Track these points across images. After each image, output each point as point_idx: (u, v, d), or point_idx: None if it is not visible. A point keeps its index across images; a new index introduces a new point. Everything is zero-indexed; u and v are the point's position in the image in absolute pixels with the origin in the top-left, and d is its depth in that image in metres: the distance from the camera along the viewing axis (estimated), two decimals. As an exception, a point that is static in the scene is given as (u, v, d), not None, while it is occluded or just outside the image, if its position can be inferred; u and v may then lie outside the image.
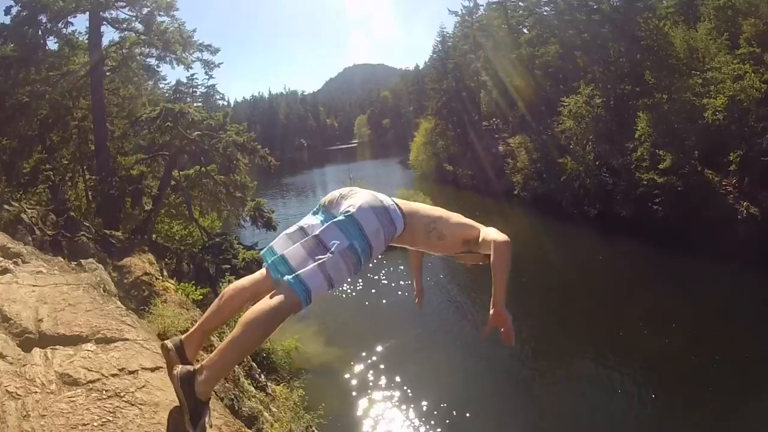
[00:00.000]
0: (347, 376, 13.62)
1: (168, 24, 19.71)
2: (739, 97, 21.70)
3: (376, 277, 20.02)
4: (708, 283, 17.24)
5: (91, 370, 2.21)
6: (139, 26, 19.56)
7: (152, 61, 20.87)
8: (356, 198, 2.25)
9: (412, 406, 12.14)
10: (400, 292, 19.06)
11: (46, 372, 2.19)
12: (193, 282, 12.36)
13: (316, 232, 2.13)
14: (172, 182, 19.18)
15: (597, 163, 28.73)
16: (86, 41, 19.35)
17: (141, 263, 11.73)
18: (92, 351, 2.41)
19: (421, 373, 13.43)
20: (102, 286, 4.09)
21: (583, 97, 30.00)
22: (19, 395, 2.02)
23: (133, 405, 2.03)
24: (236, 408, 5.49)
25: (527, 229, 26.56)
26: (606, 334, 14.94)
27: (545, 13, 38.16)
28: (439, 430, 11.25)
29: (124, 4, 19.01)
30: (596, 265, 21.11)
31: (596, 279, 19.44)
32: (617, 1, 29.70)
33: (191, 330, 2.27)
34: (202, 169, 19.85)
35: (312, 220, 2.33)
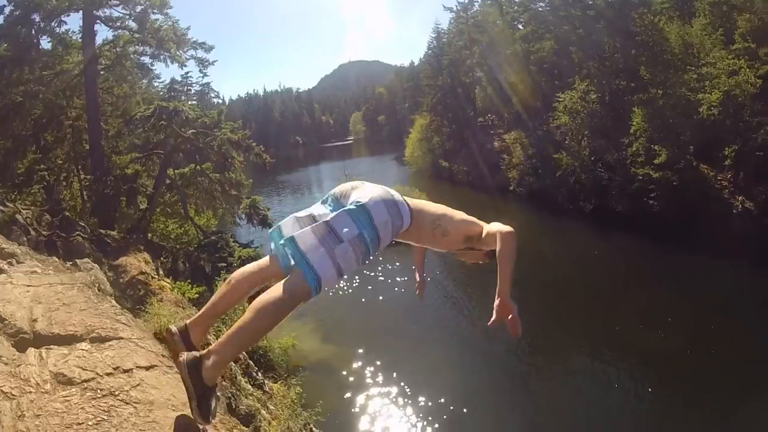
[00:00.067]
0: (344, 372, 13.64)
1: (162, 22, 19.63)
2: (734, 92, 21.76)
3: (372, 274, 20.04)
4: (703, 278, 17.31)
5: (86, 370, 2.21)
6: (132, 24, 19.44)
7: (146, 60, 20.79)
8: (367, 190, 2.27)
9: (409, 401, 12.18)
10: (396, 288, 19.09)
11: (41, 372, 2.19)
12: (189, 281, 12.37)
13: (327, 219, 2.12)
14: (167, 181, 19.12)
15: (592, 158, 28.76)
16: (80, 40, 19.21)
17: (137, 262, 11.73)
18: (87, 350, 2.40)
19: (418, 369, 13.46)
20: (97, 285, 4.09)
21: (578, 93, 30.02)
22: (14, 395, 2.02)
23: (127, 404, 2.03)
24: (233, 406, 5.48)
25: (523, 225, 26.54)
26: (602, 328, 14.99)
27: (540, 9, 38.08)
28: (436, 425, 11.29)
29: (118, 2, 18.87)
30: (592, 260, 21.18)
31: (592, 274, 19.51)
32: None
33: (196, 315, 2.27)
34: (197, 167, 19.80)
35: (322, 209, 2.33)
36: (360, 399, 12.51)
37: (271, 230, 2.36)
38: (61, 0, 17.72)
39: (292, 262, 2.06)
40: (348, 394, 12.68)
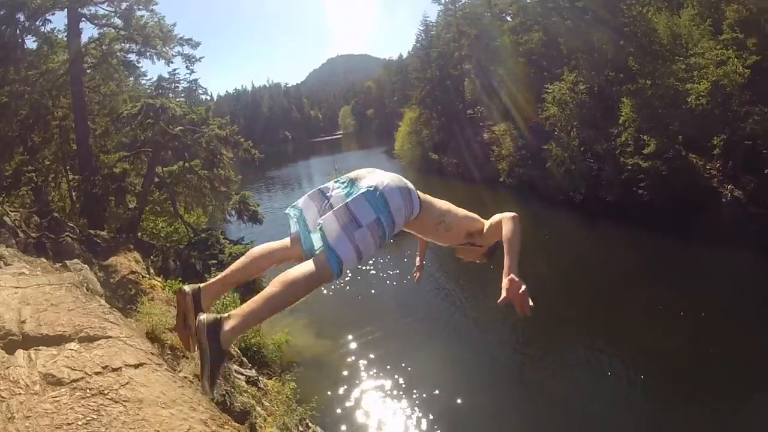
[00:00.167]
0: (339, 367, 13.68)
1: (147, 18, 19.43)
2: (723, 82, 21.86)
3: (365, 268, 20.04)
4: (693, 266, 17.46)
5: (75, 369, 2.21)
6: (118, 21, 19.23)
7: (132, 57, 20.54)
8: (382, 176, 2.34)
9: (403, 394, 12.23)
10: (388, 282, 19.13)
11: (30, 373, 2.18)
12: (180, 279, 12.33)
13: (347, 201, 2.16)
14: (156, 179, 19.03)
15: (582, 149, 28.85)
16: (65, 39, 19.03)
17: (127, 262, 11.68)
18: (75, 350, 2.40)
19: (412, 362, 13.51)
20: (85, 284, 4.07)
21: (567, 84, 30.09)
22: (3, 398, 2.01)
23: (117, 402, 2.03)
24: (228, 404, 5.49)
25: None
26: (593, 318, 15.11)
27: (528, 1, 38.17)
28: (431, 416, 11.34)
29: (103, -1, 18.72)
30: (582, 249, 21.28)
31: (582, 263, 19.62)
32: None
33: (211, 280, 2.28)
34: (186, 164, 19.70)
35: (337, 190, 2.36)
36: (355, 393, 12.55)
37: (288, 209, 2.42)
38: (46, -2, 17.53)
39: (317, 245, 2.14)
40: (343, 389, 12.71)
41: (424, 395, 12.03)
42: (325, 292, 16.99)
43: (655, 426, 10.52)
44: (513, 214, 2.36)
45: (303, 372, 12.26)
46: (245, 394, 6.81)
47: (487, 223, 2.54)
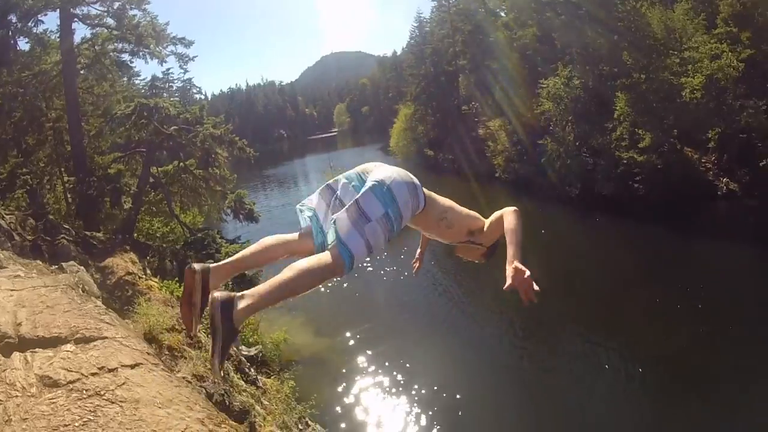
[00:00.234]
0: (337, 365, 13.69)
1: (140, 18, 19.25)
2: (717, 76, 21.95)
3: (362, 266, 20.01)
4: (689, 258, 17.52)
5: (71, 371, 2.20)
6: (111, 21, 19.08)
7: (126, 57, 20.42)
8: (389, 170, 2.35)
9: (402, 391, 12.26)
10: (386, 279, 19.13)
11: (27, 375, 2.18)
12: (176, 279, 12.29)
13: (357, 196, 2.19)
14: (151, 179, 18.93)
15: (577, 143, 28.87)
16: (58, 40, 18.89)
17: (123, 263, 11.65)
18: (71, 351, 2.39)
19: (411, 359, 13.53)
20: (81, 286, 4.06)
21: (561, 79, 30.11)
22: (0, 401, 2.00)
23: (113, 403, 2.03)
24: (227, 403, 5.49)
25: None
26: (590, 312, 15.16)
27: (522, -4, 38.15)
28: (430, 412, 11.37)
29: (95, -1, 18.61)
30: (578, 244, 21.32)
31: (579, 258, 19.62)
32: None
33: (222, 262, 2.31)
34: (181, 164, 19.60)
35: (345, 185, 2.42)
36: (354, 390, 12.57)
37: (299, 205, 2.48)
38: (37, -1, 17.42)
39: (329, 240, 2.15)
40: (342, 386, 12.73)
41: (423, 391, 12.05)
42: (322, 289, 16.91)
43: (653, 420, 10.54)
44: (514, 208, 2.41)
45: (302, 370, 12.29)
46: (244, 394, 6.82)
47: (487, 222, 2.58)
